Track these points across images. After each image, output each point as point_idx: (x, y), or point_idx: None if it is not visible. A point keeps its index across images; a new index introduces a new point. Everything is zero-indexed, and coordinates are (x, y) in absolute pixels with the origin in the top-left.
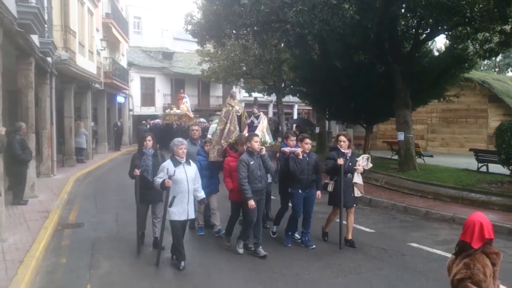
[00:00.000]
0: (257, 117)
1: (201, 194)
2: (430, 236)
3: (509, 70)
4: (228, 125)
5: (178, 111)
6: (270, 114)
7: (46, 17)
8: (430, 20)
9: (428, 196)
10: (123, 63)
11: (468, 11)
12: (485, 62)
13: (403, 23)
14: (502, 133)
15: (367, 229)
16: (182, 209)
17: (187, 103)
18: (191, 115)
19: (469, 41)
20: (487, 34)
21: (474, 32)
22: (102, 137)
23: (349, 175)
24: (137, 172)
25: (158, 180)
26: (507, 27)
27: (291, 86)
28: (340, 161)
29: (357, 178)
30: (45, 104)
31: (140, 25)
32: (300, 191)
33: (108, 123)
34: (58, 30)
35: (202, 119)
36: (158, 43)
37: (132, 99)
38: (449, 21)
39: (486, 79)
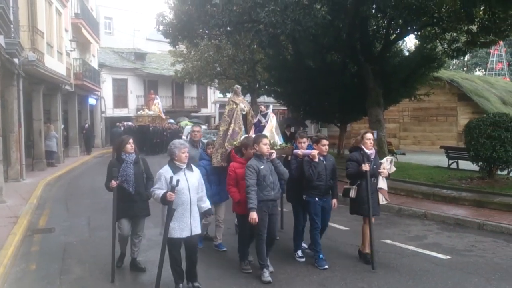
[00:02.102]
0: (265, 116)
1: (206, 205)
2: (403, 232)
3: (477, 69)
4: (232, 125)
5: (151, 112)
6: None
7: (11, 17)
8: (400, 21)
9: (401, 193)
10: (94, 64)
11: (436, 11)
12: (454, 62)
13: (373, 23)
14: (471, 131)
15: (341, 227)
16: (184, 224)
17: (159, 104)
18: (163, 116)
19: (437, 41)
20: (455, 34)
21: (442, 32)
22: (73, 140)
23: (373, 179)
24: (114, 183)
25: (158, 192)
26: (474, 27)
27: (266, 86)
28: (366, 167)
29: (382, 183)
30: (12, 107)
31: (111, 25)
32: (317, 199)
33: (80, 126)
34: (25, 31)
35: (171, 120)
36: (130, 44)
37: (104, 100)
38: (418, 21)
39: (455, 78)
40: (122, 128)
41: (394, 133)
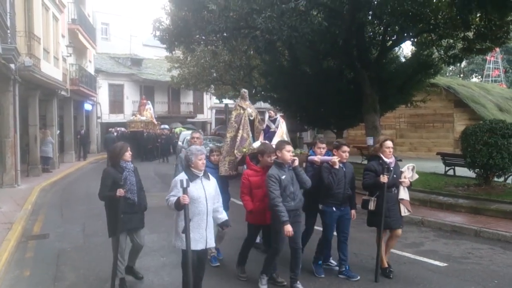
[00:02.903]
0: (274, 121)
1: (223, 216)
2: (400, 239)
3: (473, 76)
4: (240, 131)
5: (143, 118)
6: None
7: (8, 23)
8: (396, 27)
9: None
10: (91, 69)
11: (432, 18)
12: (450, 68)
13: (370, 30)
14: (467, 137)
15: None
16: (199, 236)
17: (151, 110)
18: (155, 122)
19: (434, 47)
20: (451, 40)
21: (439, 38)
22: (69, 146)
23: (393, 189)
24: (122, 192)
25: (172, 199)
26: (470, 34)
27: (262, 92)
28: (384, 178)
29: (403, 194)
30: (8, 112)
31: (108, 31)
32: (334, 208)
33: (75, 131)
34: (21, 36)
35: (165, 126)
36: (127, 50)
37: (100, 106)
38: (414, 28)
39: (451, 85)
40: (115, 134)
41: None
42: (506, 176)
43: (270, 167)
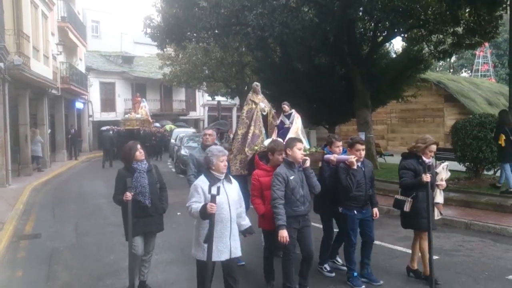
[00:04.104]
0: (288, 116)
1: (246, 222)
2: (392, 233)
3: (463, 70)
4: (252, 128)
5: (138, 115)
6: (234, 118)
7: None
8: (387, 23)
9: (389, 194)
10: (81, 68)
11: (422, 14)
12: (440, 63)
13: (360, 26)
14: (457, 131)
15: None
16: (223, 246)
17: (146, 107)
18: (150, 119)
19: (424, 43)
20: (441, 36)
21: (429, 34)
22: (60, 145)
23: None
24: (129, 196)
25: (195, 206)
26: (459, 29)
27: None
28: (427, 177)
29: (439, 197)
30: None
31: (98, 29)
32: (355, 211)
33: (67, 130)
34: (10, 35)
35: (157, 124)
36: (118, 47)
37: (92, 104)
38: (405, 23)
39: (441, 80)
40: (111, 132)
41: (382, 135)
42: (495, 170)
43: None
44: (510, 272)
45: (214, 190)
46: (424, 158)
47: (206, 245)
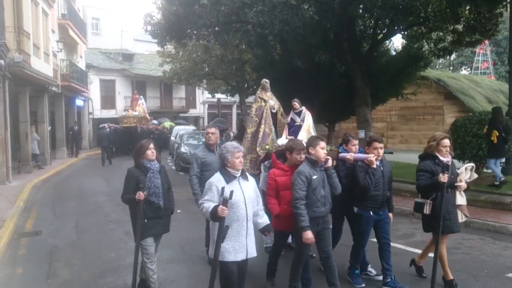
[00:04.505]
0: (299, 114)
1: (264, 220)
2: (391, 231)
3: (462, 68)
4: (262, 126)
5: (136, 113)
6: (234, 115)
7: None
8: (387, 20)
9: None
10: (82, 65)
11: (422, 11)
12: (440, 61)
13: (361, 23)
14: (457, 129)
15: None
16: (239, 245)
17: (143, 105)
18: (148, 117)
19: (424, 40)
20: (441, 33)
21: (429, 31)
22: (60, 142)
23: (450, 190)
24: (142, 195)
25: (207, 206)
26: (460, 27)
27: (254, 86)
28: (444, 177)
29: (460, 198)
30: None
31: (98, 26)
32: (372, 213)
33: (67, 127)
34: (10, 32)
35: (154, 121)
36: (118, 45)
37: (92, 102)
38: (405, 21)
39: (441, 77)
40: (108, 130)
41: (381, 132)
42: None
43: (300, 165)
44: (509, 269)
45: (227, 192)
46: (440, 158)
47: (222, 245)
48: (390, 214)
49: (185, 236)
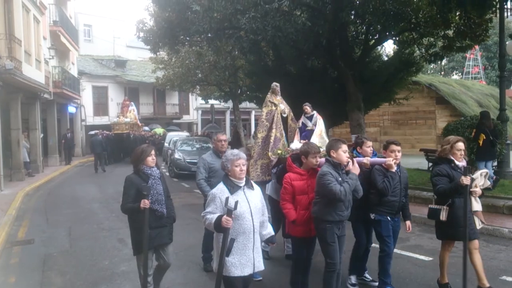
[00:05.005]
0: (310, 118)
1: (268, 231)
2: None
3: (453, 73)
4: (273, 131)
5: (127, 119)
6: (228, 121)
7: None
8: (378, 26)
9: None
10: (74, 72)
11: (413, 17)
12: (431, 66)
13: (353, 29)
14: (449, 133)
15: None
16: (246, 259)
17: (134, 111)
18: (139, 123)
19: (415, 46)
20: (432, 39)
21: (420, 37)
22: (53, 149)
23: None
24: (147, 203)
25: (210, 217)
26: (450, 32)
27: (248, 92)
28: (467, 180)
29: (476, 204)
30: None
31: (90, 33)
32: (389, 218)
33: (59, 134)
34: (1, 39)
35: (146, 128)
36: (110, 51)
37: (84, 108)
38: (396, 26)
39: (433, 82)
40: (100, 136)
41: (374, 137)
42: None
43: (318, 169)
44: (503, 272)
45: (232, 202)
46: (456, 162)
47: (228, 259)
48: (408, 223)
49: (180, 242)
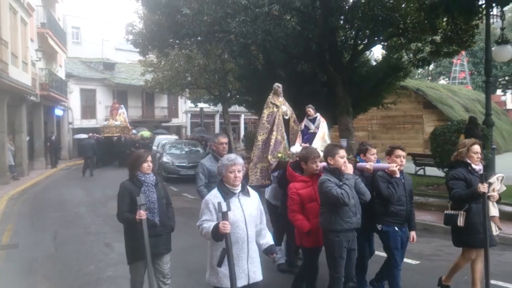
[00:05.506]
0: (313, 121)
1: (266, 240)
2: (374, 239)
3: (441, 78)
4: (274, 133)
5: (117, 122)
6: (217, 125)
7: None
8: (367, 31)
9: None
10: (61, 74)
11: (401, 22)
12: (419, 71)
13: (342, 34)
14: (436, 138)
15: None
16: (239, 270)
17: (124, 114)
18: (129, 126)
19: (403, 51)
20: (420, 44)
21: (408, 42)
22: (39, 152)
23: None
24: (143, 214)
25: (207, 226)
26: (438, 38)
27: (237, 96)
28: (484, 187)
29: (493, 209)
30: None
31: (79, 35)
32: (396, 228)
33: (46, 137)
34: None
35: (134, 131)
36: (99, 54)
37: (72, 111)
38: (384, 32)
39: (420, 87)
40: (92, 140)
41: (363, 141)
42: None
43: (319, 175)
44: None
45: (224, 207)
46: (473, 166)
47: (220, 269)
48: (413, 233)
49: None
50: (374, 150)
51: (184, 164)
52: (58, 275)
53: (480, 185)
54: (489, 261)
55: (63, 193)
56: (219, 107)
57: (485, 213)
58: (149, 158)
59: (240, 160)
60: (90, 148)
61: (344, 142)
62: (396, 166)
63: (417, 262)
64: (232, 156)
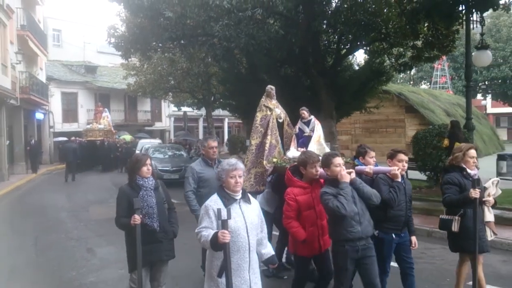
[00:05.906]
0: (308, 123)
1: (268, 250)
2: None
3: (422, 82)
4: (268, 137)
5: (101, 126)
6: (201, 128)
7: None
8: (350, 36)
9: None
10: (42, 77)
11: (383, 27)
12: (401, 76)
13: (325, 38)
14: (418, 141)
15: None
16: (241, 280)
17: (108, 118)
18: (113, 130)
19: (385, 55)
20: (401, 49)
21: (390, 47)
22: (19, 157)
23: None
24: (137, 219)
25: (206, 234)
26: (419, 43)
27: (221, 100)
28: (476, 193)
29: (489, 215)
30: None
31: (60, 38)
32: (394, 235)
33: (26, 141)
34: None
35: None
36: (80, 57)
37: (53, 115)
38: (367, 36)
39: (402, 91)
40: (74, 144)
41: (346, 145)
42: None
43: (319, 181)
44: (471, 278)
45: (224, 214)
46: (468, 170)
47: (220, 280)
48: (413, 238)
49: None
50: (373, 153)
51: (167, 168)
52: (40, 281)
53: (472, 190)
54: (477, 266)
55: (44, 198)
56: (203, 111)
57: (475, 218)
58: (148, 161)
59: (241, 165)
60: (72, 152)
61: (327, 146)
62: (398, 170)
63: None
64: (233, 160)
